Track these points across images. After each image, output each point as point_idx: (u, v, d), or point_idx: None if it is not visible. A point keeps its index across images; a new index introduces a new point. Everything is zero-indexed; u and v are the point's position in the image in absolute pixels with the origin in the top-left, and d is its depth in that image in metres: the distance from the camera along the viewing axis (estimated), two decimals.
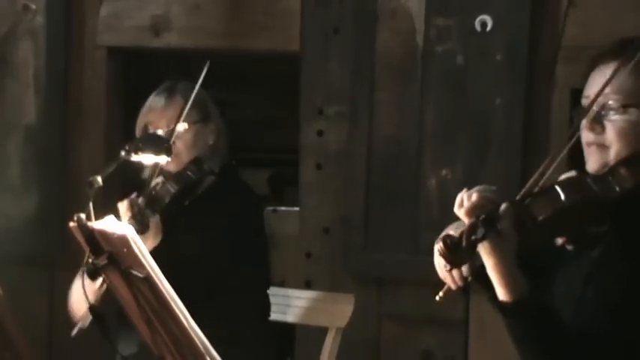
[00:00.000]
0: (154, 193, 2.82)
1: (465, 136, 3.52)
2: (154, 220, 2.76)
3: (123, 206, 2.77)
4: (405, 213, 3.60)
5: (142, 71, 4.35)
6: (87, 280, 2.56)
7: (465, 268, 2.01)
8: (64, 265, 3.76)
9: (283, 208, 3.91)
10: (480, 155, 3.50)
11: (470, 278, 2.01)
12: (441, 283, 2.06)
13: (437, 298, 2.01)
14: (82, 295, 2.61)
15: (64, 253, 3.80)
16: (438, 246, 1.92)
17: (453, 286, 2.01)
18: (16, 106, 3.93)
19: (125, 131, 4.09)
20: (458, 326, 3.49)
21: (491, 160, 3.50)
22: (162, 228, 2.77)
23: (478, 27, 3.44)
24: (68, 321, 3.95)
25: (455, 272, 2.01)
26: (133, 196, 2.80)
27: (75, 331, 2.56)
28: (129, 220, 2.71)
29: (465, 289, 2.05)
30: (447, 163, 3.53)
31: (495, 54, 3.44)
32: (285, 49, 3.78)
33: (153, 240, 2.76)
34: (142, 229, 2.72)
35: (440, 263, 2.04)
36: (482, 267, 1.94)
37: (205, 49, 3.88)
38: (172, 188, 2.84)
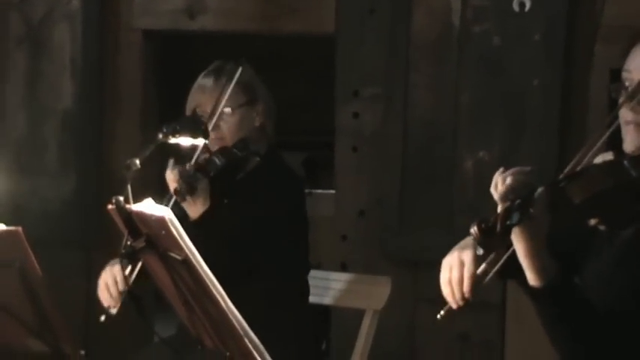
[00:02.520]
0: (201, 161, 2.81)
1: (502, 118, 3.49)
2: (203, 184, 2.75)
3: (171, 174, 2.75)
4: (441, 195, 3.59)
5: (178, 54, 4.36)
6: (117, 268, 2.58)
7: (466, 284, 1.96)
8: (100, 247, 3.79)
9: (318, 191, 3.90)
10: (516, 137, 3.48)
11: (470, 298, 1.96)
12: (443, 301, 2.00)
13: (438, 317, 1.98)
14: (110, 282, 2.64)
15: (101, 235, 3.83)
16: (472, 230, 1.88)
17: (454, 305, 1.96)
18: (53, 90, 3.95)
19: (160, 114, 4.11)
20: (494, 309, 3.48)
21: (527, 142, 3.47)
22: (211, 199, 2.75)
23: (516, 7, 3.40)
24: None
25: (457, 290, 1.97)
26: (182, 164, 2.79)
27: (103, 318, 2.57)
28: (178, 183, 2.70)
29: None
30: (483, 145, 3.51)
31: (533, 34, 3.40)
32: (319, 31, 3.76)
33: (202, 204, 2.75)
34: (191, 191, 2.71)
35: (444, 278, 1.99)
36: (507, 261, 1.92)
37: (240, 31, 3.88)
38: (219, 161, 2.82)
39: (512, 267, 1.94)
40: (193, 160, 2.79)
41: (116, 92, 3.98)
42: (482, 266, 1.95)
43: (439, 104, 3.57)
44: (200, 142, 2.69)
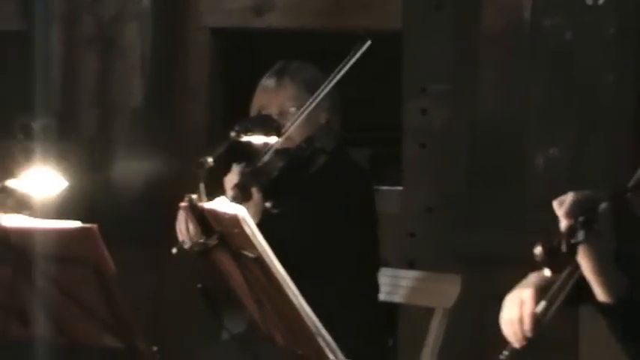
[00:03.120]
0: (261, 165, 2.81)
1: (574, 114, 3.44)
2: (257, 192, 2.76)
3: (230, 176, 2.76)
4: (510, 192, 3.55)
5: (245, 51, 4.38)
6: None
7: (526, 322, 1.93)
8: (171, 244, 3.82)
9: (385, 188, 3.89)
10: (588, 134, 3.42)
11: (533, 337, 1.93)
12: (505, 342, 1.97)
13: (502, 357, 1.95)
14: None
15: (171, 232, 3.86)
16: (536, 251, 1.85)
17: (517, 345, 1.92)
18: (123, 88, 4.01)
19: (228, 112, 4.14)
20: (567, 347, 3.42)
21: (599, 138, 3.42)
22: (271, 204, 2.76)
23: (589, 0, 3.34)
24: (175, 299, 4.04)
25: (518, 329, 1.93)
26: (242, 164, 2.80)
27: (174, 250, 2.58)
28: (232, 188, 2.71)
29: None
30: (554, 142, 3.46)
31: (608, 28, 3.34)
32: (386, 27, 3.75)
33: (253, 213, 2.76)
34: (243, 198, 2.72)
35: (505, 317, 1.96)
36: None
37: (306, 28, 3.88)
38: (280, 163, 2.83)
39: (577, 294, 1.91)
40: (259, 158, 2.80)
41: (184, 89, 4.02)
42: (542, 303, 1.92)
43: (508, 100, 3.53)
44: (272, 140, 2.69)
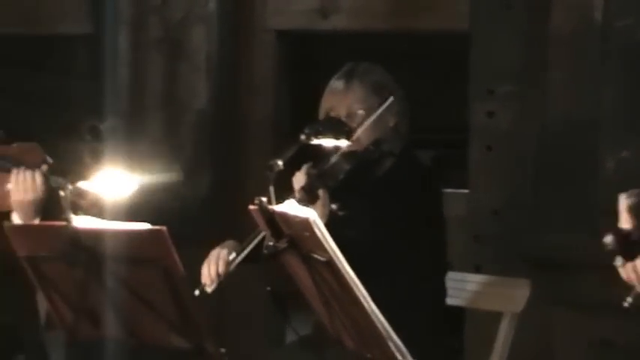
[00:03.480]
0: (328, 167, 2.81)
1: None
2: (323, 194, 2.75)
3: (298, 177, 2.76)
4: (579, 195, 3.49)
5: (310, 53, 4.39)
6: (224, 251, 2.59)
7: None
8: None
9: (449, 190, 3.85)
10: None
11: None
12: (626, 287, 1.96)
13: (625, 304, 1.92)
14: (213, 261, 2.65)
15: (236, 234, 3.88)
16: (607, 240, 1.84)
17: None
18: (189, 90, 4.04)
19: (293, 114, 4.15)
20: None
21: None
22: (337, 206, 2.75)
23: None
24: (238, 300, 4.06)
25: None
26: (309, 165, 2.79)
27: (197, 293, 2.60)
28: (299, 190, 2.71)
29: None
30: (626, 143, 3.40)
31: None
32: (453, 28, 3.72)
33: (320, 215, 2.75)
34: (310, 199, 2.71)
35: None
36: None
37: (372, 30, 3.87)
38: (347, 165, 2.82)
39: None
40: (327, 160, 2.80)
41: (249, 91, 4.04)
42: None
43: (578, 102, 3.48)
44: (343, 143, 2.68)
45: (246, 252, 2.56)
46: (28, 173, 2.88)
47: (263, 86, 4.03)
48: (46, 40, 4.24)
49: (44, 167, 2.91)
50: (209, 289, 2.66)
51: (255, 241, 2.62)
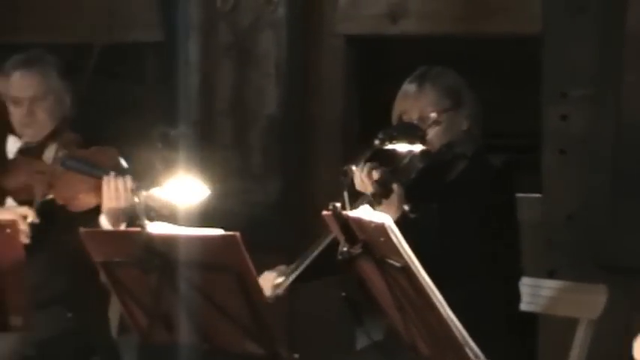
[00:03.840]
0: (401, 165, 2.80)
1: None
2: (398, 188, 2.73)
3: (366, 176, 2.74)
4: None
5: (379, 58, 4.38)
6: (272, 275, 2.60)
7: None
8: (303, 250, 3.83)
9: (522, 195, 3.79)
10: None
11: None
12: None
13: None
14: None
15: (305, 239, 3.88)
16: None
17: None
18: (258, 96, 4.05)
19: (362, 118, 4.14)
20: None
21: None
22: (409, 207, 2.73)
23: None
24: (309, 305, 4.05)
25: None
26: (373, 164, 2.78)
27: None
28: (372, 184, 2.69)
29: None
30: None
31: None
32: (525, 31, 3.68)
33: (396, 209, 2.73)
34: (385, 193, 2.69)
35: None
36: None
37: (441, 34, 3.84)
38: (420, 164, 2.81)
39: None
40: (397, 160, 2.79)
41: (318, 97, 4.04)
42: None
43: None
44: (417, 148, 2.67)
45: (297, 274, 2.57)
46: (120, 181, 2.94)
47: (332, 91, 4.02)
48: (118, 48, 4.30)
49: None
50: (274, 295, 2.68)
51: (305, 264, 2.63)
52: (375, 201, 2.72)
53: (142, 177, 3.02)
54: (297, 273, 2.71)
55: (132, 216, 2.89)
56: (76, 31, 4.32)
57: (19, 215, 2.88)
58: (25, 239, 2.87)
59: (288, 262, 4.04)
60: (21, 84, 3.15)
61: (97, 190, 3.00)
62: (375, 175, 2.73)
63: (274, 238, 4.06)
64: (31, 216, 2.96)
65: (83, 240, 2.57)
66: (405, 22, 3.84)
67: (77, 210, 3.03)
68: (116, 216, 2.98)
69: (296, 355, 2.48)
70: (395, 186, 2.73)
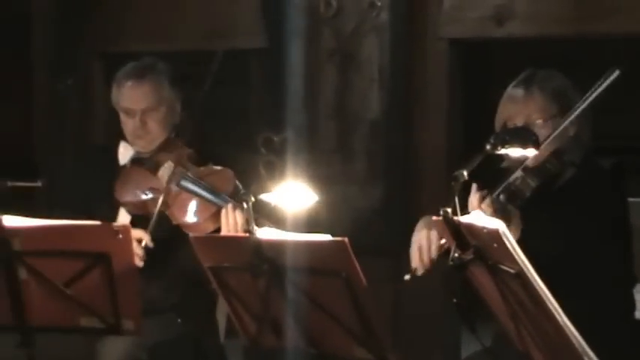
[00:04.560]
0: (513, 188, 2.73)
1: None
2: (516, 216, 2.68)
3: (478, 201, 2.69)
4: None
5: (482, 61, 4.32)
6: (434, 233, 2.56)
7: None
8: (407, 254, 3.81)
9: (632, 199, 3.69)
10: None
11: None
12: None
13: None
14: (425, 245, 2.61)
15: (409, 243, 3.85)
16: None
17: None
18: (362, 100, 4.05)
19: (466, 123, 4.09)
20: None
21: None
22: (523, 223, 2.69)
23: None
24: (412, 311, 4.03)
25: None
26: (484, 191, 2.73)
27: (407, 277, 2.57)
28: (492, 215, 2.65)
29: None
30: None
31: None
32: (636, 31, 3.57)
33: (515, 233, 2.68)
34: (506, 220, 2.64)
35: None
36: None
37: (547, 35, 3.77)
38: (533, 182, 2.73)
39: None
40: (506, 177, 2.72)
41: (422, 101, 4.01)
42: None
43: None
44: (530, 152, 2.60)
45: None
46: (239, 213, 2.90)
47: (435, 95, 3.99)
48: (223, 55, 4.35)
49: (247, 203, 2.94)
50: (419, 273, 2.63)
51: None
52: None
53: (248, 183, 3.03)
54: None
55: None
56: (181, 38, 4.39)
57: (135, 239, 2.85)
58: (139, 262, 2.87)
59: (393, 267, 4.03)
60: (133, 95, 3.13)
61: (215, 216, 2.95)
62: (494, 206, 2.66)
63: (379, 242, 4.05)
64: (146, 240, 2.95)
65: (193, 245, 2.59)
66: (512, 23, 3.79)
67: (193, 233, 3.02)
68: None
69: None
70: (513, 210, 2.67)
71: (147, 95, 3.14)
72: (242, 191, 2.93)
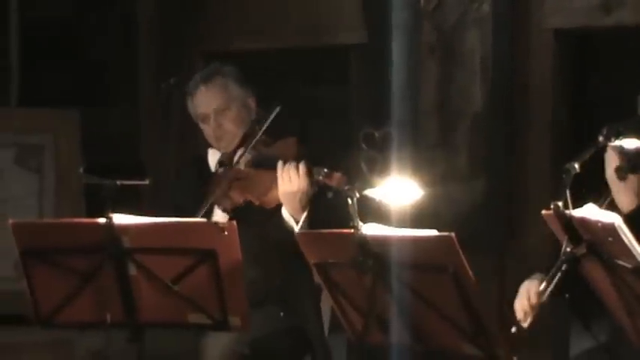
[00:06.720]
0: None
1: None
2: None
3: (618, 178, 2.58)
4: None
5: (588, 52, 4.22)
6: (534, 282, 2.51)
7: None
8: (510, 250, 3.76)
9: None
10: None
11: None
12: None
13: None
14: (524, 294, 2.56)
15: (512, 239, 3.80)
16: None
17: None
18: (463, 94, 4.01)
19: (572, 115, 4.01)
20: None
21: None
22: None
23: None
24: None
25: None
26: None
27: (513, 330, 2.51)
28: (622, 158, 2.54)
29: None
30: None
31: None
32: None
33: (635, 195, 2.58)
34: (633, 168, 2.55)
35: None
36: None
37: None
38: None
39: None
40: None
41: (526, 93, 3.95)
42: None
43: None
44: None
45: (555, 280, 2.46)
46: (292, 164, 2.95)
47: (540, 88, 3.92)
48: (324, 51, 4.36)
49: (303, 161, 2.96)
50: (525, 324, 2.60)
51: (563, 269, 2.51)
52: (618, 175, 2.55)
53: (352, 179, 3.03)
54: (556, 278, 2.58)
55: (311, 199, 2.89)
56: (282, 36, 4.41)
57: None
58: None
59: (495, 263, 3.97)
60: (203, 100, 3.21)
61: None
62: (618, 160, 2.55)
63: (481, 237, 3.99)
64: None
65: (298, 241, 2.60)
66: (621, 12, 3.68)
67: (271, 206, 3.06)
68: (291, 202, 2.96)
69: (515, 358, 2.42)
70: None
71: (216, 96, 3.22)
72: (323, 169, 2.93)
